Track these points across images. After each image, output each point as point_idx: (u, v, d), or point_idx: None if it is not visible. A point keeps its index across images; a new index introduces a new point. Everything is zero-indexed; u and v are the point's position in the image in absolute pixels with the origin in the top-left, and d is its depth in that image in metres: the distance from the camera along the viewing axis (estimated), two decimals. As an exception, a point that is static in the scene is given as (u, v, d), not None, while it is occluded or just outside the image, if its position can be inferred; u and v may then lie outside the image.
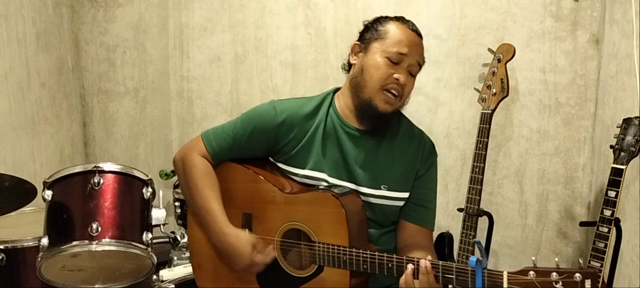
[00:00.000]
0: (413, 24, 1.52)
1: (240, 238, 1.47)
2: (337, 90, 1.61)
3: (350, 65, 1.57)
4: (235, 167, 1.56)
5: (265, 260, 1.47)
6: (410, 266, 1.31)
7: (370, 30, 1.52)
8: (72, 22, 2.82)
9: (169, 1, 2.78)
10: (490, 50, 2.14)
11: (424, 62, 1.53)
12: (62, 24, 2.73)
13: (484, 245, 2.20)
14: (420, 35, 1.51)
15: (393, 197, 1.53)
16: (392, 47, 1.46)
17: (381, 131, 1.55)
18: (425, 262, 1.29)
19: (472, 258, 1.22)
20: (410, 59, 1.46)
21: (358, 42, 1.55)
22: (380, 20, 1.53)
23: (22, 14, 2.37)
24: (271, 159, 1.58)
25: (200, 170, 1.54)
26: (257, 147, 1.55)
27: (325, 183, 1.51)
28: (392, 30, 1.48)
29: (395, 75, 1.45)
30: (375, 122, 1.52)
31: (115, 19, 2.83)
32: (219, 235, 1.50)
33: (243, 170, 1.56)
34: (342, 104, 1.56)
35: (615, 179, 1.75)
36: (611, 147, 1.81)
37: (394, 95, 1.46)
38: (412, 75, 1.49)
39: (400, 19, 1.52)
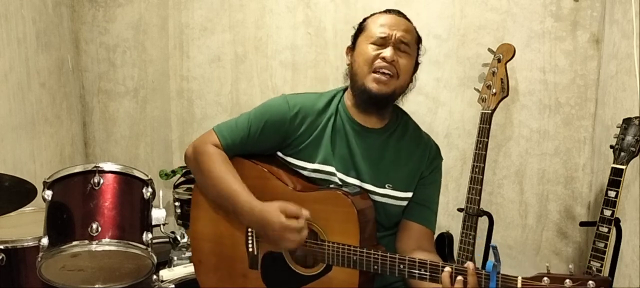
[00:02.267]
0: (395, 11, 1.57)
1: (268, 206, 1.42)
2: (347, 88, 1.63)
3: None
4: (244, 163, 1.56)
5: (299, 224, 1.37)
6: (447, 269, 1.27)
7: (356, 31, 1.58)
8: (72, 22, 2.82)
9: (169, 1, 2.78)
10: (490, 50, 2.14)
11: (414, 40, 1.54)
12: (62, 24, 2.73)
13: (484, 246, 2.22)
14: (404, 18, 1.55)
15: (397, 196, 1.54)
16: (372, 32, 1.51)
17: (389, 131, 1.57)
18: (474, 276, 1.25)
19: (490, 263, 1.22)
20: (394, 35, 1.49)
21: (349, 45, 1.60)
22: (365, 18, 1.59)
23: (22, 14, 2.37)
24: (280, 154, 1.58)
25: (217, 158, 1.52)
26: (269, 141, 1.56)
27: (335, 178, 1.51)
28: (372, 19, 1.55)
29: (382, 54, 1.47)
30: (380, 109, 1.53)
31: (115, 18, 2.83)
32: (248, 212, 1.45)
33: (252, 166, 1.55)
34: (349, 102, 1.58)
35: (615, 179, 1.75)
36: (611, 147, 1.81)
37: (384, 74, 1.47)
38: (404, 51, 1.50)
39: (383, 11, 1.57)
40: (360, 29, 1.57)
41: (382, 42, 1.49)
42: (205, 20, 2.76)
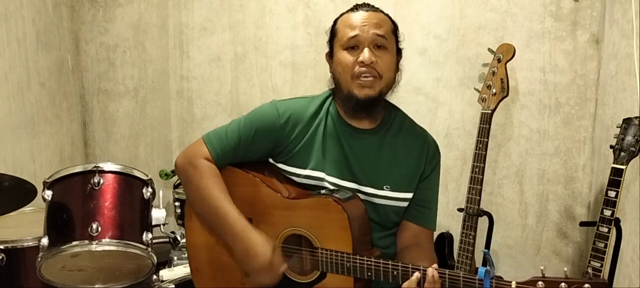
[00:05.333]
0: (364, 5, 1.50)
1: (262, 237, 1.43)
2: None
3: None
4: (235, 171, 1.54)
5: (282, 265, 1.42)
6: (416, 274, 1.29)
7: (330, 36, 1.54)
8: (72, 22, 2.82)
9: (169, 1, 2.78)
10: (490, 50, 2.14)
11: (390, 30, 1.48)
12: (62, 24, 2.72)
13: (484, 246, 2.22)
14: (372, 10, 1.48)
15: (396, 197, 1.52)
16: (343, 37, 1.46)
17: (382, 130, 1.54)
18: (433, 271, 1.27)
19: (481, 269, 1.20)
20: (366, 35, 1.43)
21: (327, 52, 1.56)
22: (335, 20, 1.54)
23: (22, 14, 2.37)
24: (271, 160, 1.57)
25: (209, 174, 1.50)
26: (260, 149, 1.54)
27: (327, 184, 1.50)
28: (341, 22, 1.50)
29: (359, 59, 1.43)
30: (369, 112, 1.50)
31: (115, 18, 2.83)
32: (239, 235, 1.45)
33: (243, 175, 1.54)
34: (340, 105, 1.56)
35: (615, 179, 1.76)
36: (611, 147, 1.81)
37: (367, 76, 1.44)
38: (381, 47, 1.45)
39: (351, 9, 1.51)
40: (333, 34, 1.51)
41: (355, 44, 1.44)
42: (205, 20, 2.76)
